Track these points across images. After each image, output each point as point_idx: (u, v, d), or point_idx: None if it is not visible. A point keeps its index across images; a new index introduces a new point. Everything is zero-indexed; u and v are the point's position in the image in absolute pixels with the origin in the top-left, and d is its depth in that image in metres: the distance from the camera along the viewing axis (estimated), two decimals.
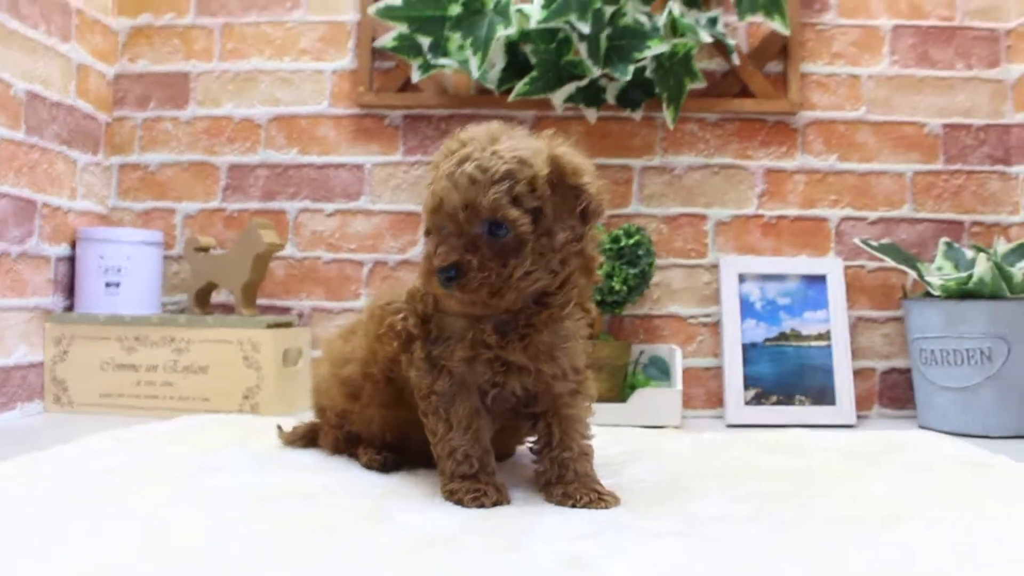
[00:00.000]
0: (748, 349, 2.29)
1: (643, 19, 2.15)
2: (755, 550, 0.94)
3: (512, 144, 1.12)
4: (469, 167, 1.09)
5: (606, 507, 1.14)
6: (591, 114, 2.31)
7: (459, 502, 1.14)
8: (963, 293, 2.05)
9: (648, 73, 2.23)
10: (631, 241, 2.11)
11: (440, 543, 0.97)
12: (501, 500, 1.16)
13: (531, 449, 1.26)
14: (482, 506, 1.13)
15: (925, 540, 0.99)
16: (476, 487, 1.15)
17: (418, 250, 2.41)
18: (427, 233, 1.17)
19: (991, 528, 1.05)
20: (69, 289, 2.28)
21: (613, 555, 0.92)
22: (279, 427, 1.58)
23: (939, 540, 0.99)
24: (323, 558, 0.91)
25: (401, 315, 1.25)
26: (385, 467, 1.34)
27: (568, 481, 1.18)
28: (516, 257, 1.09)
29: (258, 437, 1.62)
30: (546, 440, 1.22)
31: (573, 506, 1.15)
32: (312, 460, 1.44)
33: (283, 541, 0.96)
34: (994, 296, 2.02)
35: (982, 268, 2.00)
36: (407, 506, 1.14)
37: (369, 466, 1.35)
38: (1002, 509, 1.16)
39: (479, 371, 1.18)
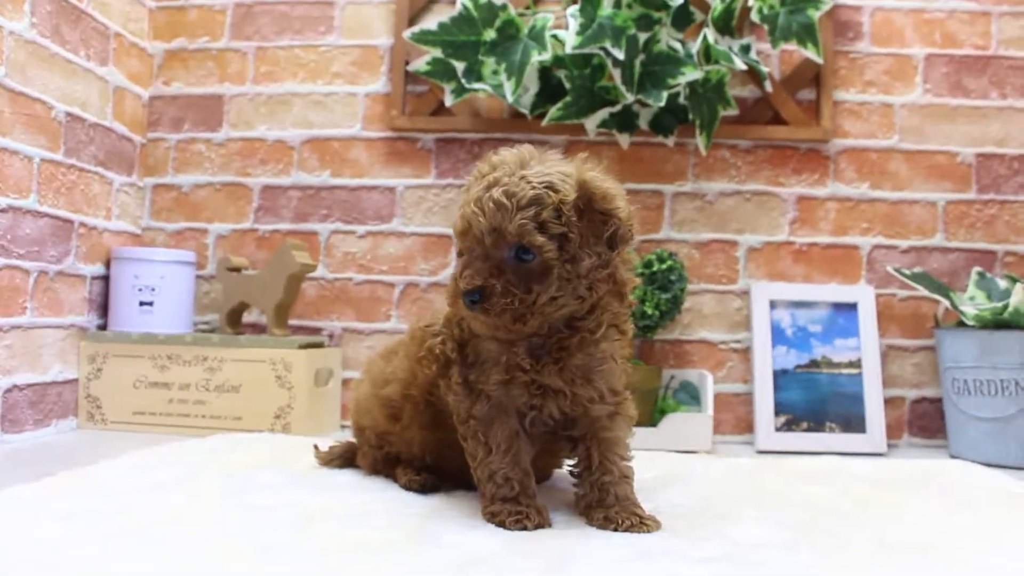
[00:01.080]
0: (779, 375, 2.28)
1: (677, 46, 2.16)
2: None
3: (541, 169, 1.12)
4: (497, 192, 1.09)
5: (647, 531, 1.14)
6: (624, 139, 2.32)
7: (501, 524, 1.14)
8: (998, 323, 2.03)
9: (681, 99, 2.24)
10: (663, 266, 2.12)
11: (485, 564, 0.97)
12: (543, 523, 1.15)
13: (571, 472, 1.25)
14: (524, 528, 1.13)
15: (963, 570, 0.98)
16: (518, 509, 1.15)
17: (449, 272, 2.42)
18: (459, 255, 1.18)
19: None
20: (103, 308, 2.30)
21: None
22: (315, 447, 1.59)
23: (977, 570, 0.98)
24: None
25: (439, 339, 1.26)
26: (424, 488, 1.34)
27: (609, 505, 1.18)
28: (541, 283, 1.10)
29: (294, 456, 1.62)
30: (586, 463, 1.22)
31: (615, 530, 1.14)
32: (350, 480, 1.44)
33: (329, 560, 0.96)
34: None
35: (1018, 298, 1.99)
36: (450, 527, 1.14)
37: (408, 487, 1.35)
38: None
39: (516, 394, 1.18)
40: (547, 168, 1.13)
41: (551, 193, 1.09)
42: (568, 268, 1.10)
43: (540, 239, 1.08)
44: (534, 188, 1.09)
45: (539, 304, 1.09)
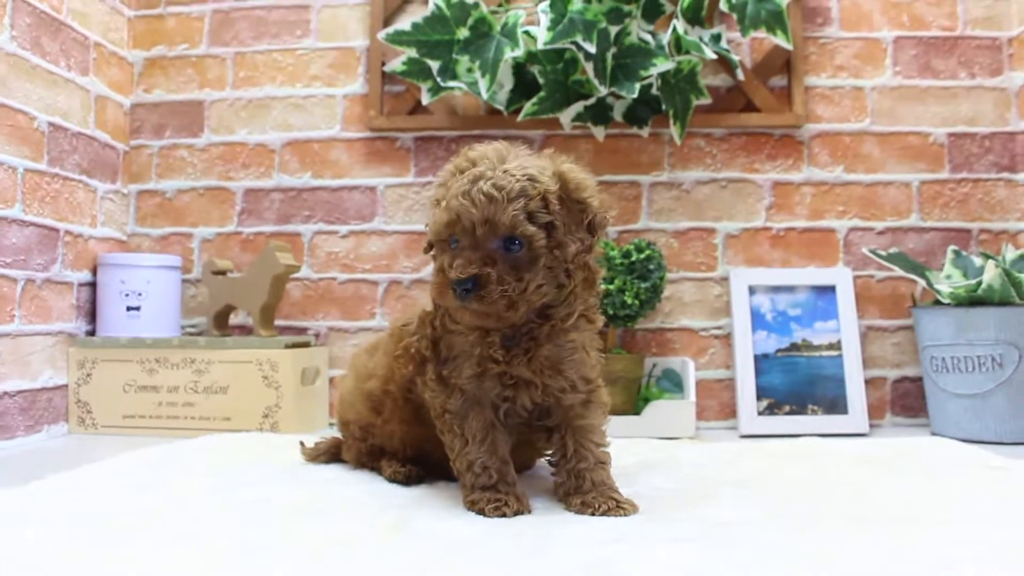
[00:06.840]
0: (760, 360, 2.31)
1: (647, 38, 2.19)
2: (770, 554, 0.96)
3: (520, 163, 1.16)
4: (485, 185, 1.12)
5: (624, 514, 1.17)
6: (599, 132, 2.34)
7: (481, 512, 1.17)
8: (973, 300, 2.06)
9: (654, 90, 2.26)
10: (642, 256, 2.13)
11: (466, 550, 0.99)
12: (522, 509, 1.18)
13: (549, 461, 1.29)
14: (503, 515, 1.16)
15: (940, 541, 1.00)
16: (497, 497, 1.18)
17: (431, 269, 2.44)
18: (429, 248, 1.21)
19: (1011, 530, 1.06)
20: (91, 314, 2.32)
21: (634, 560, 0.94)
22: (301, 443, 1.61)
23: (955, 542, 1.00)
24: (354, 566, 0.93)
25: (415, 337, 1.28)
26: (408, 480, 1.37)
27: (586, 491, 1.21)
28: (530, 271, 1.13)
29: (281, 454, 1.64)
30: (562, 452, 1.25)
31: (592, 514, 1.17)
32: (336, 474, 1.46)
33: (313, 552, 0.99)
34: (1004, 303, 2.03)
35: (991, 275, 2.01)
36: (432, 516, 1.17)
37: (393, 479, 1.38)
38: (1020, 511, 1.17)
39: (488, 387, 1.22)
40: (524, 161, 1.17)
41: (534, 184, 1.13)
42: (555, 255, 1.14)
43: (531, 229, 1.12)
44: (519, 180, 1.13)
45: (529, 291, 1.13)
